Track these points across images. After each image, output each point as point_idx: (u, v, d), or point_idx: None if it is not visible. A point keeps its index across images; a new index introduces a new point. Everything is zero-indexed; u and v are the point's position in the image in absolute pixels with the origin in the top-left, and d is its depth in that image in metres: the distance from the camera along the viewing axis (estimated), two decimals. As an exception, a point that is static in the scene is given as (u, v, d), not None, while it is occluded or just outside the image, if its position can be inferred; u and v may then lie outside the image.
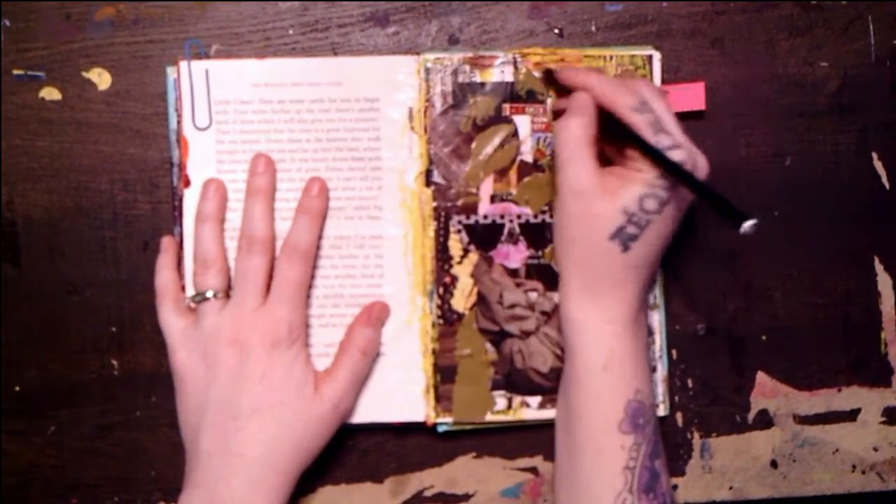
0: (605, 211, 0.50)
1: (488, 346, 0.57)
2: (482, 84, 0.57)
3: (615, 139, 0.52)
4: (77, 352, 0.57)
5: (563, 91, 0.55)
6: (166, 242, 0.56)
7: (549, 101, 0.57)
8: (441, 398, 0.56)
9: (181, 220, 0.56)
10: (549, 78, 0.56)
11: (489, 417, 0.57)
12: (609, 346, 0.51)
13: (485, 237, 0.57)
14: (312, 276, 0.55)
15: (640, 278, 0.52)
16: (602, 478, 0.50)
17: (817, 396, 0.59)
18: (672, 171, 0.49)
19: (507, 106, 0.57)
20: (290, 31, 0.57)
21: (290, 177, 0.56)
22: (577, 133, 0.51)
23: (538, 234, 0.57)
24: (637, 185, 0.50)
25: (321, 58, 0.57)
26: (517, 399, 0.57)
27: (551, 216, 0.57)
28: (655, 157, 0.49)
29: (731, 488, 0.59)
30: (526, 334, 0.57)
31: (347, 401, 0.55)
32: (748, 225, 0.45)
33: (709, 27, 0.58)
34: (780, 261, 0.59)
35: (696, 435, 0.59)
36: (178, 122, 0.56)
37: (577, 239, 0.51)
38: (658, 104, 0.51)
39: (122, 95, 0.57)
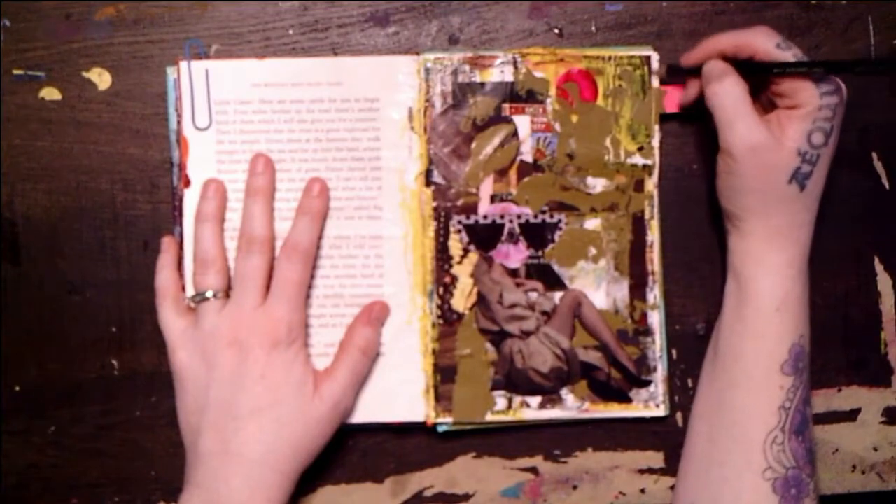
0: (781, 157, 0.51)
1: (488, 346, 0.57)
2: (482, 84, 0.57)
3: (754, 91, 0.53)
4: (77, 352, 0.57)
5: (680, 80, 0.56)
6: (166, 242, 0.56)
7: (654, 85, 0.56)
8: (441, 398, 0.56)
9: (181, 220, 0.56)
10: (672, 72, 0.57)
11: (489, 417, 0.57)
12: (785, 289, 0.52)
13: (485, 237, 0.57)
14: (312, 276, 0.55)
15: (812, 215, 0.53)
16: (756, 413, 0.52)
17: (817, 396, 0.59)
18: (861, 64, 0.52)
19: (507, 106, 0.57)
20: (290, 31, 0.57)
21: (290, 177, 0.56)
22: (735, 91, 0.52)
23: (538, 234, 0.57)
24: (801, 122, 0.51)
25: (321, 58, 0.57)
26: (517, 399, 0.57)
27: (551, 216, 0.57)
28: (834, 69, 0.51)
29: (731, 488, 0.59)
30: (526, 334, 0.57)
31: (347, 400, 0.55)
32: None
33: (709, 27, 0.58)
34: (780, 261, 0.59)
35: (696, 435, 0.59)
36: (178, 122, 0.56)
37: (757, 191, 0.52)
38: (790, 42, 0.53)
39: (122, 95, 0.57)
